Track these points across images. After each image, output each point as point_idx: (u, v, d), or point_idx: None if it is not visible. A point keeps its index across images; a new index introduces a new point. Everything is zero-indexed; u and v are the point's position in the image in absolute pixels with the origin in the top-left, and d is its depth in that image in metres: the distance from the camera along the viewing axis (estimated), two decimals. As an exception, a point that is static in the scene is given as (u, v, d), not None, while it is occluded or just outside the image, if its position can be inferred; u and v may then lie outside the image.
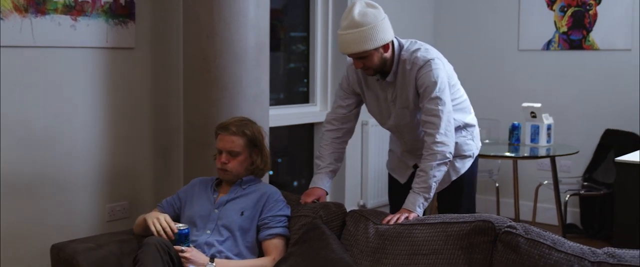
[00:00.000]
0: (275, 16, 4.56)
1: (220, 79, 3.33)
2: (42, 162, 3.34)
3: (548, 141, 4.56)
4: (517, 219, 4.59)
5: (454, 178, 2.97)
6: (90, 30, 3.43)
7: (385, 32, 2.68)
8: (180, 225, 2.62)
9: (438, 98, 2.69)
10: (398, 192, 3.01)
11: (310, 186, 2.96)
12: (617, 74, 4.93)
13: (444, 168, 2.69)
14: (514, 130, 4.65)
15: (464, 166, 2.98)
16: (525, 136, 4.62)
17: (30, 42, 3.23)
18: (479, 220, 2.38)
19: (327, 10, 4.90)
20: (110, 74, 3.55)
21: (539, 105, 4.57)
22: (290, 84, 5.01)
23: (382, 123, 3.01)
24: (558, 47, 5.15)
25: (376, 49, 2.68)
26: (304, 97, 4.99)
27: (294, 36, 4.97)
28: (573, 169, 5.11)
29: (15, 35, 3.18)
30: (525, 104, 4.64)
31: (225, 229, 2.73)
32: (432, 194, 2.68)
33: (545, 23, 5.18)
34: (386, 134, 5.00)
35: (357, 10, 2.64)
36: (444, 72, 2.74)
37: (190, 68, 3.42)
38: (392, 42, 2.75)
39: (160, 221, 2.66)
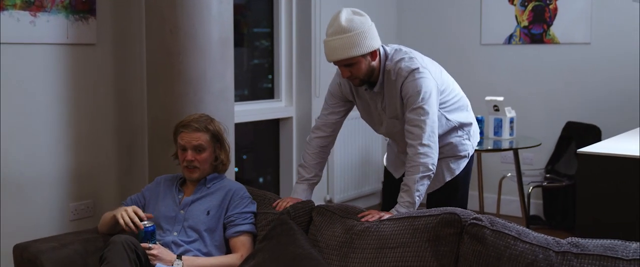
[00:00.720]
0: (238, 11, 4.53)
1: (184, 74, 3.30)
2: (3, 161, 3.28)
3: (511, 134, 4.61)
4: (481, 211, 4.64)
5: (448, 179, 2.94)
6: (50, 26, 3.37)
7: (373, 38, 2.63)
8: (146, 222, 2.60)
9: (420, 108, 2.64)
10: (391, 187, 2.99)
11: (292, 195, 2.91)
12: (577, 67, 5.01)
13: (427, 182, 2.64)
14: (478, 123, 4.68)
15: (458, 166, 2.95)
16: (489, 129, 4.66)
17: (-11, 39, 3.17)
18: (444, 213, 2.40)
19: (291, 6, 4.89)
20: (72, 71, 3.50)
21: (501, 98, 4.61)
22: (255, 80, 4.99)
23: (375, 129, 2.98)
24: (519, 41, 5.21)
25: (364, 56, 2.63)
26: (269, 93, 4.98)
27: (258, 32, 4.96)
28: (536, 161, 5.18)
29: (-27, 32, 3.12)
30: (488, 98, 4.67)
31: (192, 230, 2.71)
32: (416, 208, 2.65)
33: (506, 17, 5.25)
34: (352, 128, 5.07)
35: (343, 17, 2.60)
36: (429, 81, 2.68)
37: (153, 63, 3.39)
38: (379, 50, 2.71)
39: (128, 213, 2.63)
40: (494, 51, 5.33)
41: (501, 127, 4.59)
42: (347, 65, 2.65)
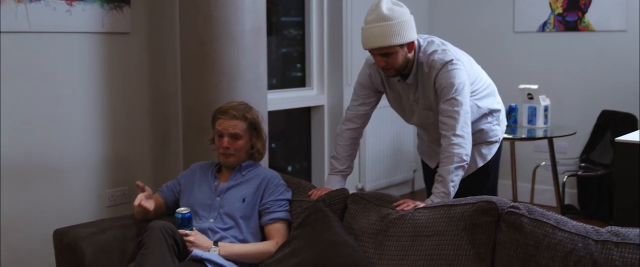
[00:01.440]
0: (268, 0, 4.53)
1: (217, 63, 3.32)
2: (41, 149, 3.33)
3: (545, 123, 4.57)
4: (515, 200, 4.61)
5: (480, 164, 2.95)
6: (86, 15, 3.41)
7: (411, 30, 2.64)
8: (183, 209, 2.63)
9: (454, 99, 2.65)
10: (429, 176, 3.01)
11: (326, 185, 2.93)
12: (613, 55, 4.94)
13: (462, 172, 2.65)
14: (511, 112, 4.66)
15: (490, 151, 2.96)
16: (523, 117, 4.63)
17: (25, 28, 3.21)
18: (481, 201, 2.39)
19: (323, -6, 4.89)
20: (107, 60, 3.54)
21: (535, 86, 4.57)
22: (283, 68, 4.99)
23: (406, 120, 2.99)
24: (553, 28, 5.15)
25: (402, 47, 2.63)
26: (297, 82, 4.98)
27: (286, 21, 4.96)
28: (570, 150, 5.13)
29: (11, 21, 3.16)
30: (522, 86, 4.64)
31: (227, 217, 2.74)
32: (452, 197, 2.65)
33: (540, 5, 5.18)
34: (384, 116, 5.06)
35: (384, 5, 2.61)
36: (462, 73, 2.69)
37: (187, 52, 3.41)
38: (416, 41, 2.71)
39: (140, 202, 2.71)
40: (527, 39, 5.27)
41: (535, 115, 4.56)
42: (383, 54, 2.65)
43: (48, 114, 3.35)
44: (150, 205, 2.72)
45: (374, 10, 2.62)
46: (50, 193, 3.38)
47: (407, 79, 2.78)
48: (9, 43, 3.17)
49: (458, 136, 2.64)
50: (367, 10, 2.66)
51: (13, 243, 3.25)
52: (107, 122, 3.57)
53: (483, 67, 3.05)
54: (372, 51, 2.67)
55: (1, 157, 3.19)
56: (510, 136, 4.44)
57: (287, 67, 5.02)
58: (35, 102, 3.30)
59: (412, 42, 2.67)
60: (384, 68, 2.70)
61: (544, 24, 5.19)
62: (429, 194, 2.98)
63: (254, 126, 2.82)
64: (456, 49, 2.82)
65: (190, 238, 2.56)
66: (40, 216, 3.32)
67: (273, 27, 4.82)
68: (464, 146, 2.64)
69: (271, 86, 4.77)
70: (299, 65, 4.98)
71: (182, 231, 2.57)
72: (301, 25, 4.93)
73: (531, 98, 4.56)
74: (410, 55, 2.69)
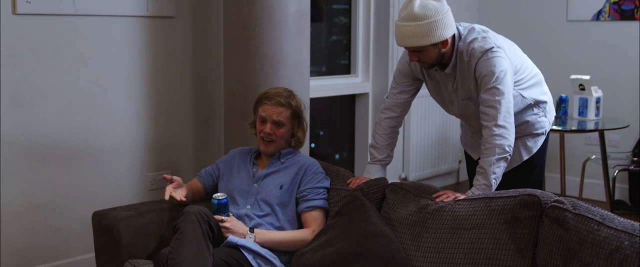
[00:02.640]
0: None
1: (260, 48, 3.30)
2: (84, 131, 3.37)
3: (597, 115, 4.45)
4: (563, 194, 4.50)
5: (525, 158, 2.87)
6: (131, -1, 3.43)
7: (446, 27, 2.56)
8: (219, 194, 2.61)
9: (494, 88, 2.58)
10: (473, 167, 2.93)
11: (365, 174, 2.90)
12: (671, 45, 4.76)
13: (504, 164, 2.58)
14: (562, 103, 4.55)
15: (536, 144, 2.89)
16: (573, 108, 4.52)
17: (71, 11, 3.24)
18: (523, 194, 2.32)
19: (370, -21, 4.83)
20: (151, 43, 3.55)
21: (587, 77, 4.45)
22: (332, 56, 4.96)
23: (446, 110, 2.94)
24: (608, 17, 4.99)
25: (434, 45, 2.57)
26: (344, 70, 4.95)
27: (336, 8, 4.91)
28: (622, 144, 4.98)
29: (56, 4, 3.19)
30: (573, 76, 4.52)
31: (264, 203, 2.72)
32: (493, 190, 2.59)
33: (595, -8, 5.03)
34: (430, 105, 4.98)
35: (418, 1, 2.53)
36: (504, 60, 2.61)
37: (230, 37, 3.41)
38: (453, 35, 2.64)
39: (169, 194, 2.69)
40: (580, 28, 5.13)
41: (586, 107, 4.44)
42: (415, 51, 2.60)
43: (92, 97, 3.38)
44: (180, 195, 2.70)
45: (407, 6, 2.55)
46: (93, 175, 3.41)
47: (445, 69, 2.71)
48: (54, 26, 3.21)
49: (500, 126, 2.56)
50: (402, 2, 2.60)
51: (56, 223, 3.30)
52: (149, 106, 3.59)
53: (533, 57, 2.96)
54: (405, 48, 2.63)
55: (45, 138, 3.22)
56: (559, 128, 4.33)
57: (336, 55, 4.98)
58: (80, 85, 3.33)
59: (446, 40, 2.59)
60: (418, 62, 2.66)
61: (599, 13, 5.03)
62: (472, 186, 2.92)
63: (297, 114, 2.79)
64: (499, 36, 2.75)
65: (226, 224, 2.54)
66: (82, 197, 3.36)
67: (322, 14, 4.78)
68: (506, 136, 2.57)
69: (320, 73, 4.74)
70: (347, 53, 4.94)
71: (218, 217, 2.55)
72: (349, 13, 4.88)
73: (583, 89, 4.44)
74: (444, 50, 2.62)
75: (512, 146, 2.60)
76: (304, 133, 2.85)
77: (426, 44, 2.55)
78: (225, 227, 2.54)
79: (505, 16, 5.43)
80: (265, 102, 2.77)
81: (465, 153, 3.13)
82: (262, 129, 2.77)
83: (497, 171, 2.56)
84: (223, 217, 2.56)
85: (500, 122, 2.56)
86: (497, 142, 2.55)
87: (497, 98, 2.57)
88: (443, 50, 2.62)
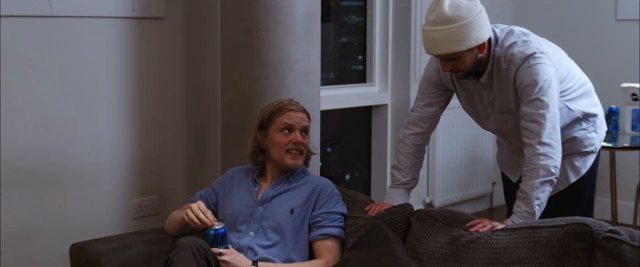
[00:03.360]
0: (325, -19, 4.53)
1: (263, 54, 3.32)
2: (60, 150, 3.38)
3: (653, 129, 4.47)
4: (614, 222, 4.51)
5: (573, 180, 2.88)
6: (115, -2, 3.46)
7: (482, 28, 2.57)
8: (217, 224, 2.62)
9: (538, 100, 2.58)
10: (512, 191, 2.94)
11: (386, 200, 2.91)
12: None
13: (549, 188, 2.58)
14: (611, 115, 4.56)
15: (585, 164, 2.90)
16: (625, 122, 4.54)
17: (47, 11, 3.26)
18: (572, 223, 2.33)
19: (389, -26, 4.86)
20: (138, 48, 3.57)
21: (641, 85, 4.47)
22: (343, 61, 4.98)
23: (481, 125, 2.95)
24: (665, 16, 5.01)
25: (470, 51, 2.58)
26: (359, 77, 4.97)
27: (347, 5, 4.94)
28: (683, 163, 4.97)
29: (30, 4, 3.21)
30: (624, 85, 4.55)
31: (273, 231, 2.72)
32: (537, 218, 2.59)
33: (649, -13, 5.05)
34: (458, 118, 4.98)
35: (447, 1, 2.54)
36: (548, 68, 2.62)
37: (229, 41, 3.42)
38: (489, 38, 2.65)
39: (199, 208, 2.63)
40: (632, 28, 5.14)
41: (640, 120, 4.45)
42: (448, 59, 2.61)
43: (69, 111, 3.39)
44: (211, 217, 2.65)
45: (435, 7, 2.56)
46: (69, 201, 3.42)
47: (480, 78, 2.72)
48: (27, 29, 3.23)
49: (544, 144, 2.57)
50: (429, 4, 2.60)
51: (28, 256, 3.31)
52: (135, 121, 3.60)
53: (577, 62, 2.97)
54: (436, 56, 2.64)
55: (12, 159, 3.23)
56: (609, 145, 4.33)
57: (347, 60, 5.00)
58: (55, 98, 3.34)
59: (483, 43, 2.61)
60: (452, 71, 2.67)
61: (654, 11, 5.05)
62: (510, 212, 2.92)
63: (309, 125, 2.88)
64: (541, 39, 2.76)
65: (225, 257, 2.54)
66: (58, 227, 3.37)
67: (331, 13, 4.80)
68: (552, 156, 2.57)
69: (327, 81, 4.76)
70: (360, 57, 4.96)
71: (215, 250, 2.56)
72: (363, 11, 4.90)
73: (636, 99, 4.47)
74: (481, 55, 2.64)
75: (559, 166, 2.60)
76: (313, 147, 2.92)
77: (461, 50, 2.55)
78: (224, 261, 2.54)
79: (544, 17, 5.45)
80: (290, 108, 2.82)
81: (502, 175, 3.13)
82: (289, 140, 2.78)
83: (542, 196, 2.56)
84: (221, 250, 2.56)
85: (544, 140, 2.57)
86: (542, 162, 2.55)
87: (541, 111, 2.58)
88: (480, 55, 2.63)
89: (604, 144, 4.33)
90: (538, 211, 2.57)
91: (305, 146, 2.81)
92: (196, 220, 2.61)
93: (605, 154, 4.79)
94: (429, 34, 2.57)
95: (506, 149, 3.02)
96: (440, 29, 2.53)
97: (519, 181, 2.89)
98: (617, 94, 4.63)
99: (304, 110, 2.84)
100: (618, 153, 4.83)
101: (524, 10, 5.55)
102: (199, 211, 2.63)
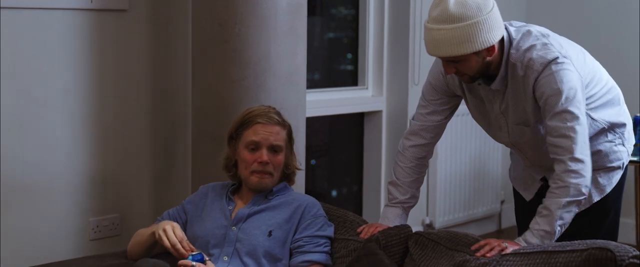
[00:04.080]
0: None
1: (242, 52, 3.34)
2: (8, 162, 3.37)
3: (684, 141, 4.49)
4: (639, 245, 4.52)
5: (596, 199, 2.89)
6: (71, -13, 3.47)
7: (492, 29, 2.58)
8: (194, 251, 2.64)
9: (566, 112, 2.60)
10: (525, 211, 2.97)
11: (381, 221, 2.92)
12: None
13: (576, 209, 2.61)
14: (637, 125, 4.59)
15: (610, 181, 2.91)
16: (653, 133, 4.56)
17: (-8, 2, 3.27)
18: (593, 248, 2.35)
19: (384, -40, 4.88)
20: (97, 45, 3.58)
21: (672, 91, 4.51)
22: (330, 60, 4.99)
23: (493, 136, 2.96)
24: (699, 12, 5.06)
25: (477, 53, 2.60)
26: (348, 79, 4.98)
27: (335, -4, 4.97)
28: None
29: (-27, -7, 3.22)
30: (653, 90, 4.58)
31: (248, 256, 2.73)
32: (554, 240, 2.61)
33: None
34: (463, 127, 5.01)
35: None
36: (572, 74, 2.63)
37: (202, 37, 3.44)
38: (502, 39, 2.66)
39: (174, 232, 2.66)
40: (661, 26, 5.18)
41: (670, 131, 4.48)
42: (452, 61, 2.63)
43: (18, 117, 3.39)
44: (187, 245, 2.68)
45: (439, 2, 2.57)
46: (18, 221, 3.41)
47: (492, 83, 2.74)
48: (-31, 21, 3.24)
49: (577, 160, 2.59)
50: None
51: (-32, 285, 3.30)
52: (94, 128, 3.61)
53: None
54: (439, 57, 2.67)
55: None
56: (635, 159, 4.36)
57: (335, 59, 5.02)
58: (3, 102, 3.33)
59: (492, 46, 2.62)
60: (456, 74, 2.69)
61: (686, 6, 5.10)
62: (521, 230, 2.93)
63: (290, 137, 2.85)
64: (563, 40, 2.78)
65: None
66: (6, 250, 3.35)
67: (316, 4, 4.82)
68: (584, 174, 2.60)
69: (312, 83, 4.77)
70: (350, 55, 4.98)
71: (186, 262, 2.56)
72: (354, 2, 4.93)
73: (665, 107, 4.49)
74: (490, 59, 2.65)
75: (589, 186, 2.63)
76: (295, 163, 2.89)
77: (466, 53, 2.57)
78: None
79: (561, 13, 5.47)
80: (258, 120, 2.79)
81: (514, 192, 3.15)
82: (255, 159, 2.77)
83: (566, 216, 2.59)
84: (194, 263, 2.57)
85: (577, 155, 2.59)
86: (574, 181, 2.58)
87: (569, 124, 2.60)
88: (488, 58, 2.64)
89: (631, 158, 4.38)
90: (559, 232, 2.59)
91: (275, 165, 2.78)
92: (178, 245, 2.63)
93: (630, 170, 4.83)
94: (431, 33, 2.58)
95: (521, 163, 3.04)
96: (444, 28, 2.55)
97: (534, 199, 2.93)
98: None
99: (280, 123, 2.80)
100: (644, 168, 4.87)
101: (539, 9, 5.57)
102: (174, 237, 2.65)
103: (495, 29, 2.59)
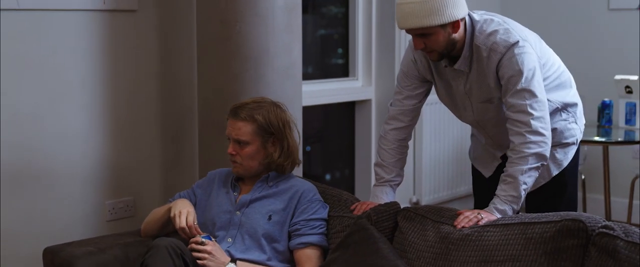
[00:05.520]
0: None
1: (242, 48, 3.35)
2: (28, 151, 3.39)
3: (647, 123, 4.52)
4: (608, 219, 4.54)
5: (555, 173, 2.94)
6: (84, -10, 3.47)
7: (456, 5, 2.63)
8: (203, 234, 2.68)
9: (525, 90, 2.65)
10: (483, 187, 3.02)
11: (371, 199, 2.94)
12: None
13: (536, 173, 2.66)
14: (605, 108, 4.61)
15: (566, 156, 2.95)
16: (619, 116, 4.58)
17: (13, 5, 3.27)
18: (566, 219, 2.37)
19: (371, -38, 4.88)
20: (109, 43, 3.59)
21: (635, 77, 4.51)
22: (322, 54, 5.00)
23: (458, 116, 3.00)
24: (659, 5, 5.07)
25: (443, 27, 2.64)
26: (340, 71, 4.99)
27: (325, -4, 4.96)
28: (678, 158, 5.04)
29: (-4, -4, 3.22)
30: (618, 77, 4.59)
31: (250, 237, 2.76)
32: (520, 204, 2.66)
33: (642, -25, 5.11)
34: (444, 115, 5.03)
35: None
36: (532, 56, 2.69)
37: (205, 34, 3.45)
38: (464, 19, 2.71)
39: (187, 217, 2.70)
40: (626, 18, 5.19)
41: (635, 113, 4.50)
42: (421, 35, 2.66)
43: (37, 109, 3.40)
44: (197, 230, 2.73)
45: None
46: (39, 204, 3.43)
47: (455, 64, 2.77)
48: (-9, 23, 3.24)
49: (535, 133, 2.64)
50: None
51: (-4, 263, 3.32)
52: (108, 119, 3.62)
53: (569, 54, 3.02)
54: (409, 31, 2.69)
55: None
56: (603, 139, 4.39)
57: (326, 53, 5.02)
58: (23, 95, 3.35)
59: (458, 21, 2.66)
60: (424, 50, 2.72)
61: (647, 0, 5.11)
62: (477, 207, 2.96)
63: (267, 130, 2.79)
64: (521, 27, 2.81)
65: (207, 248, 2.60)
66: (29, 231, 3.38)
67: (309, 4, 4.82)
68: (542, 144, 2.65)
69: (306, 76, 4.77)
70: (340, 50, 4.98)
71: (196, 238, 2.60)
72: (344, 1, 4.93)
73: (630, 92, 4.50)
74: (455, 35, 2.69)
75: (548, 155, 2.67)
76: (288, 153, 2.83)
77: (434, 25, 2.61)
78: (207, 251, 2.59)
79: (534, 5, 5.49)
80: (229, 116, 2.81)
81: (474, 170, 3.18)
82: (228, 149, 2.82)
83: (529, 180, 2.64)
84: (203, 239, 2.60)
85: (534, 128, 2.63)
86: (532, 151, 2.63)
87: (528, 102, 2.65)
88: (454, 35, 2.68)
89: (597, 138, 4.42)
90: (523, 194, 2.65)
91: (242, 156, 2.77)
92: (178, 226, 2.68)
93: (598, 149, 4.86)
94: (402, 7, 2.63)
95: (481, 141, 3.07)
96: (414, 2, 2.60)
97: (492, 176, 2.98)
98: (611, 87, 4.68)
99: (246, 118, 2.76)
100: (611, 148, 4.87)
101: None
102: (185, 221, 2.70)
103: (459, 6, 2.65)
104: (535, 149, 2.63)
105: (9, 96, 3.31)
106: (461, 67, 2.77)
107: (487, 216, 2.61)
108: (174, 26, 3.80)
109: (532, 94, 2.66)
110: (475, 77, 2.77)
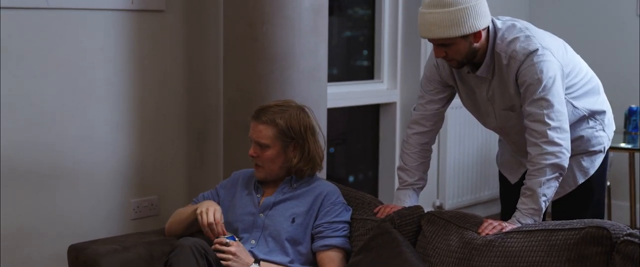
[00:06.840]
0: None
1: (268, 49, 3.36)
2: (55, 148, 3.41)
3: (675, 129, 4.49)
4: (633, 226, 4.52)
5: (581, 181, 2.92)
6: (113, -10, 3.49)
7: (480, 16, 2.62)
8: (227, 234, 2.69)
9: (542, 99, 2.63)
10: (509, 193, 3.00)
11: (395, 202, 2.93)
12: None
13: (555, 184, 2.64)
14: (631, 115, 4.58)
15: (593, 164, 2.93)
16: (647, 122, 4.55)
17: (42, 4, 3.30)
18: (590, 226, 2.36)
19: (398, -35, 4.88)
20: (136, 43, 3.61)
21: (663, 84, 4.49)
22: (347, 56, 5.00)
23: (482, 122, 2.99)
24: (689, 11, 5.04)
25: (464, 37, 2.63)
26: (365, 73, 4.98)
27: (351, -3, 4.97)
28: None
29: (25, -5, 3.25)
30: (645, 83, 4.56)
31: (273, 240, 2.77)
32: (542, 215, 2.64)
33: (672, -19, 5.07)
34: (468, 119, 4.99)
35: None
36: (551, 64, 2.66)
37: (232, 35, 3.46)
38: (487, 28, 2.69)
39: (214, 213, 2.70)
40: (654, 24, 5.15)
41: (662, 120, 4.47)
42: (442, 45, 2.65)
43: (65, 107, 3.43)
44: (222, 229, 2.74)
45: None
46: (64, 202, 3.46)
47: (477, 71, 2.76)
48: (22, 22, 3.26)
49: (551, 143, 2.62)
50: None
51: (23, 259, 3.34)
52: (134, 118, 3.64)
53: (596, 60, 2.99)
54: (430, 40, 2.68)
55: (5, 159, 3.26)
56: (629, 146, 4.35)
57: (351, 55, 5.02)
58: (51, 94, 3.38)
59: (480, 32, 2.65)
60: (445, 58, 2.71)
61: (677, 6, 5.07)
62: (504, 214, 2.96)
63: (288, 135, 2.77)
64: (545, 34, 2.80)
65: (231, 249, 2.60)
66: (54, 228, 3.41)
67: (334, 5, 4.82)
68: (559, 155, 2.63)
69: (331, 77, 4.77)
70: (366, 52, 4.98)
71: (221, 239, 2.61)
72: (370, 3, 4.93)
73: (657, 98, 4.47)
74: (477, 45, 2.68)
75: (567, 165, 2.65)
76: (309, 161, 2.81)
77: (455, 36, 2.60)
78: (231, 252, 2.59)
79: (561, 12, 5.44)
80: (252, 118, 2.81)
81: (500, 176, 3.17)
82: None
83: (548, 192, 2.62)
84: (228, 240, 2.61)
85: (550, 138, 2.62)
86: (549, 161, 2.61)
87: (545, 111, 2.63)
88: (475, 44, 2.67)
89: (623, 145, 4.39)
90: (544, 206, 2.63)
91: (263, 159, 2.77)
92: (205, 222, 2.68)
93: (624, 156, 4.83)
94: (424, 17, 2.62)
95: (508, 148, 3.06)
96: (436, 12, 2.58)
97: (518, 182, 2.95)
98: (637, 93, 4.66)
99: (269, 122, 2.75)
100: (638, 155, 4.85)
101: (541, 4, 5.56)
102: (212, 218, 2.69)
103: (482, 16, 2.63)
104: (552, 160, 2.61)
105: (36, 95, 3.34)
106: (483, 74, 2.76)
107: (510, 226, 2.60)
108: (201, 27, 3.81)
109: (550, 104, 2.63)
110: (497, 84, 2.76)
